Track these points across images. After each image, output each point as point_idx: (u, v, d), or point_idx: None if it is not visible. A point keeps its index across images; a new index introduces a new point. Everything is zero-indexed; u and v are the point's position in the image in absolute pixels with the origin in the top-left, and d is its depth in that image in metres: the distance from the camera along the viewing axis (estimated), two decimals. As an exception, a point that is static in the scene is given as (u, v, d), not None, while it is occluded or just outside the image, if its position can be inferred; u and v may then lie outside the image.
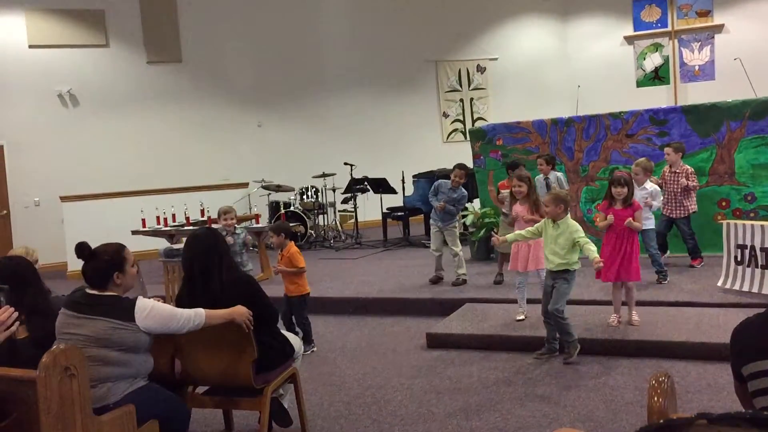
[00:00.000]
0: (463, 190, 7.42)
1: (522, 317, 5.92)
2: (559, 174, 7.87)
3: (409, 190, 11.09)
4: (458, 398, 4.56)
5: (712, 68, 13.30)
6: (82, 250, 3.25)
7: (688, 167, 7.17)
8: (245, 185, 11.79)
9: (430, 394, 4.67)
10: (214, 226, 6.92)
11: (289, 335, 4.13)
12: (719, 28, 13.31)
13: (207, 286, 3.64)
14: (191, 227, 8.48)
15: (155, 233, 8.95)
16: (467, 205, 10.15)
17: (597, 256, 4.87)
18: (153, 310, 3.20)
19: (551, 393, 4.53)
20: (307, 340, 5.79)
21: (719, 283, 6.30)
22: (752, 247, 6.03)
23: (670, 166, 7.20)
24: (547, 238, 5.09)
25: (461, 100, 14.39)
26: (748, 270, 6.06)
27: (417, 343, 5.92)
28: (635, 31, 13.96)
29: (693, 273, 7.03)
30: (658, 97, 12.92)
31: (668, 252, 7.46)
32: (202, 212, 8.98)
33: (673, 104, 12.63)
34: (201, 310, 3.36)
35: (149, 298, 3.40)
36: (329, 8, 13.58)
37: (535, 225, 5.31)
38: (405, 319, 6.75)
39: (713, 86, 12.75)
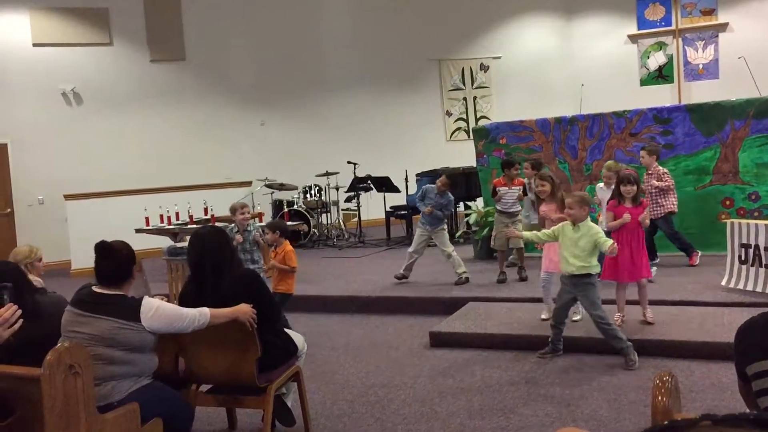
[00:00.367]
0: (450, 195, 7.61)
1: (546, 316, 5.80)
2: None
3: (413, 188, 11.08)
4: (461, 397, 4.56)
5: (716, 67, 13.26)
6: (105, 249, 3.25)
7: (661, 168, 7.14)
8: (248, 184, 11.80)
9: (433, 393, 4.67)
10: (224, 221, 6.93)
11: (292, 333, 4.13)
12: (723, 26, 13.27)
13: (217, 284, 3.64)
14: (194, 226, 8.49)
15: (159, 232, 8.97)
16: (470, 204, 10.19)
17: (610, 243, 4.85)
18: (159, 310, 3.21)
19: (554, 392, 4.53)
20: None
21: (723, 283, 6.29)
22: (756, 246, 6.02)
23: (647, 169, 7.18)
24: (566, 241, 4.99)
25: (464, 99, 14.38)
26: (752, 269, 6.05)
27: (420, 342, 5.91)
28: (639, 29, 13.92)
29: (696, 272, 7.01)
30: (661, 96, 12.89)
31: (657, 259, 7.17)
32: (206, 210, 8.99)
33: (676, 103, 12.60)
34: (206, 310, 3.36)
35: (153, 296, 3.40)
36: (332, 7, 13.58)
37: (552, 228, 5.23)
38: (408, 318, 6.75)
39: (717, 85, 12.72)
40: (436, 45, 14.03)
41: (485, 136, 9.06)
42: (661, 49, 13.74)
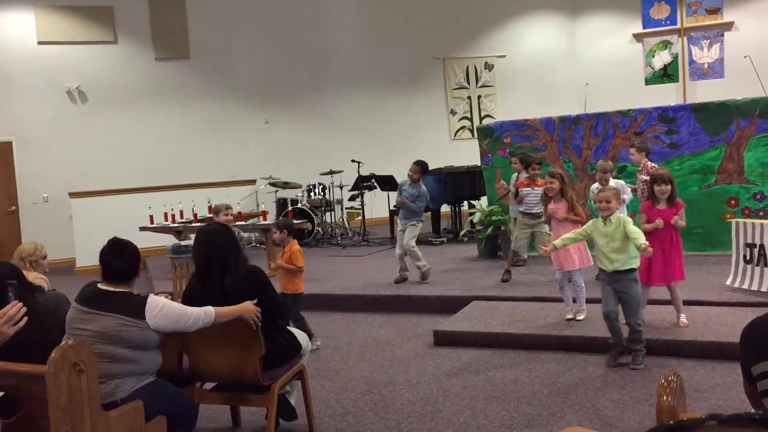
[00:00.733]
0: (423, 186, 7.52)
1: (571, 316, 5.72)
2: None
3: (417, 187, 11.07)
4: (465, 395, 4.56)
5: (722, 66, 13.23)
6: (119, 245, 3.25)
7: (650, 163, 7.07)
8: (253, 182, 11.82)
9: (436, 392, 4.67)
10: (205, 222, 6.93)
11: (296, 331, 4.13)
12: (729, 25, 13.24)
13: (223, 281, 3.64)
14: (199, 224, 8.50)
15: (163, 230, 8.98)
16: (474, 203, 10.17)
17: (644, 241, 4.61)
18: (164, 309, 3.21)
19: (559, 391, 4.53)
20: (308, 336, 5.79)
21: (728, 282, 6.27)
22: (761, 246, 6.00)
23: (638, 166, 7.13)
24: (601, 238, 4.80)
25: (469, 98, 14.37)
26: (757, 269, 6.03)
27: (424, 341, 5.91)
28: (644, 28, 13.90)
29: (701, 272, 6.99)
30: (666, 95, 12.86)
31: None
32: (210, 209, 9.00)
33: (682, 102, 12.57)
34: (210, 309, 3.37)
35: (157, 294, 3.41)
36: (337, 6, 13.57)
37: (583, 227, 5.06)
38: (412, 317, 6.75)
39: (722, 84, 12.69)
40: (441, 44, 14.02)
41: (489, 135, 9.04)
42: (666, 48, 13.71)
